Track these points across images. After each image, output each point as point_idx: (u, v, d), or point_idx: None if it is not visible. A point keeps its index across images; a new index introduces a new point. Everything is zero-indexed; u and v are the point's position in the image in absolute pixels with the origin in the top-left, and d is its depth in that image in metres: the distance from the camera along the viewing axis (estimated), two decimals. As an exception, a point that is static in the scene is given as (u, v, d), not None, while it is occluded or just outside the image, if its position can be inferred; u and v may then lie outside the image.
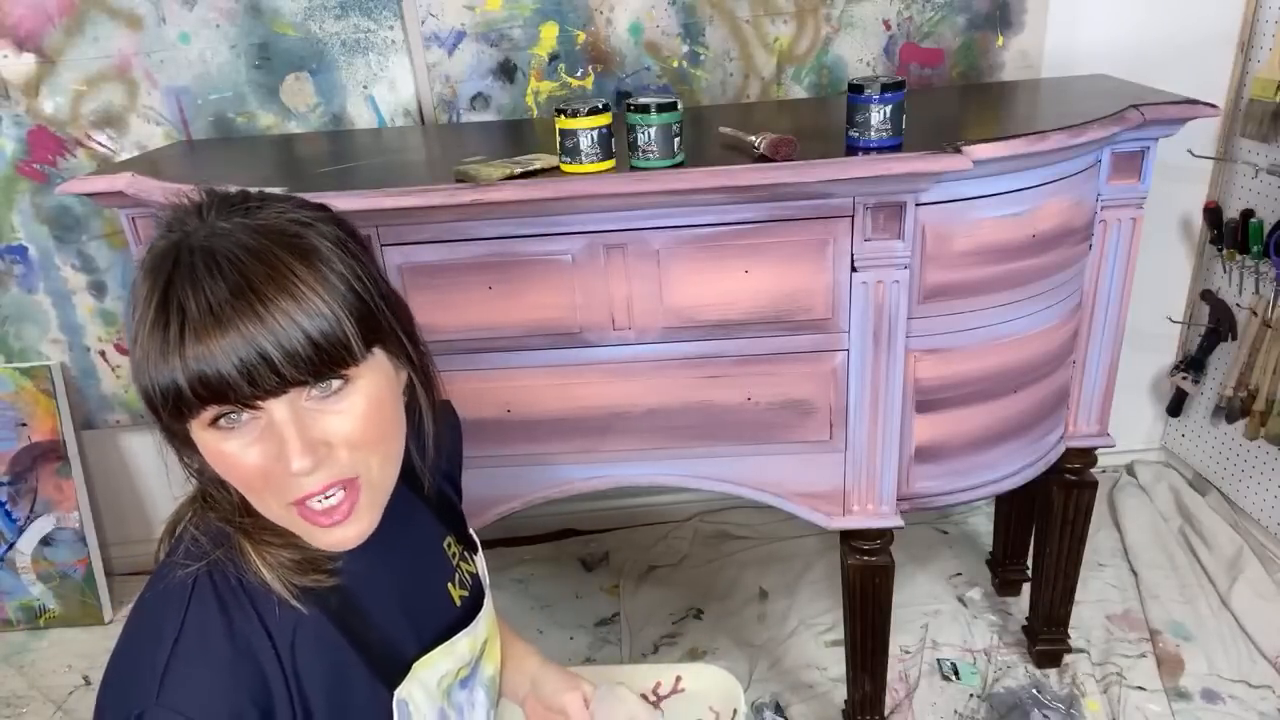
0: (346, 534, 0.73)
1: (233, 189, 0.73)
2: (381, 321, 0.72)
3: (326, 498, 0.71)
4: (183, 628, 0.71)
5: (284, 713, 0.73)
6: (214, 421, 0.67)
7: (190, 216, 0.70)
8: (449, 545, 0.97)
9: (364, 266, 0.72)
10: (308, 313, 0.66)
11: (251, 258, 0.66)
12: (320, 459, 0.69)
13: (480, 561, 1.02)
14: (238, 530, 0.75)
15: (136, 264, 0.69)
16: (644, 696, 1.05)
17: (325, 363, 0.67)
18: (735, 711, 1.13)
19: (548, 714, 1.02)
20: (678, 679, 1.11)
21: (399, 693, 0.81)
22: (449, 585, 0.94)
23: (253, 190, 0.74)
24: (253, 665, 0.72)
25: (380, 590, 0.84)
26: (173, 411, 0.66)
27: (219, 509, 0.76)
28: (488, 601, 0.97)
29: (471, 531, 1.03)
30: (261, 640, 0.73)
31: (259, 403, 0.66)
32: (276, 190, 0.77)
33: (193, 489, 0.79)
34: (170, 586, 0.74)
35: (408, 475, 0.87)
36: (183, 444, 0.72)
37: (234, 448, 0.68)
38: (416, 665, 0.84)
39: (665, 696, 1.14)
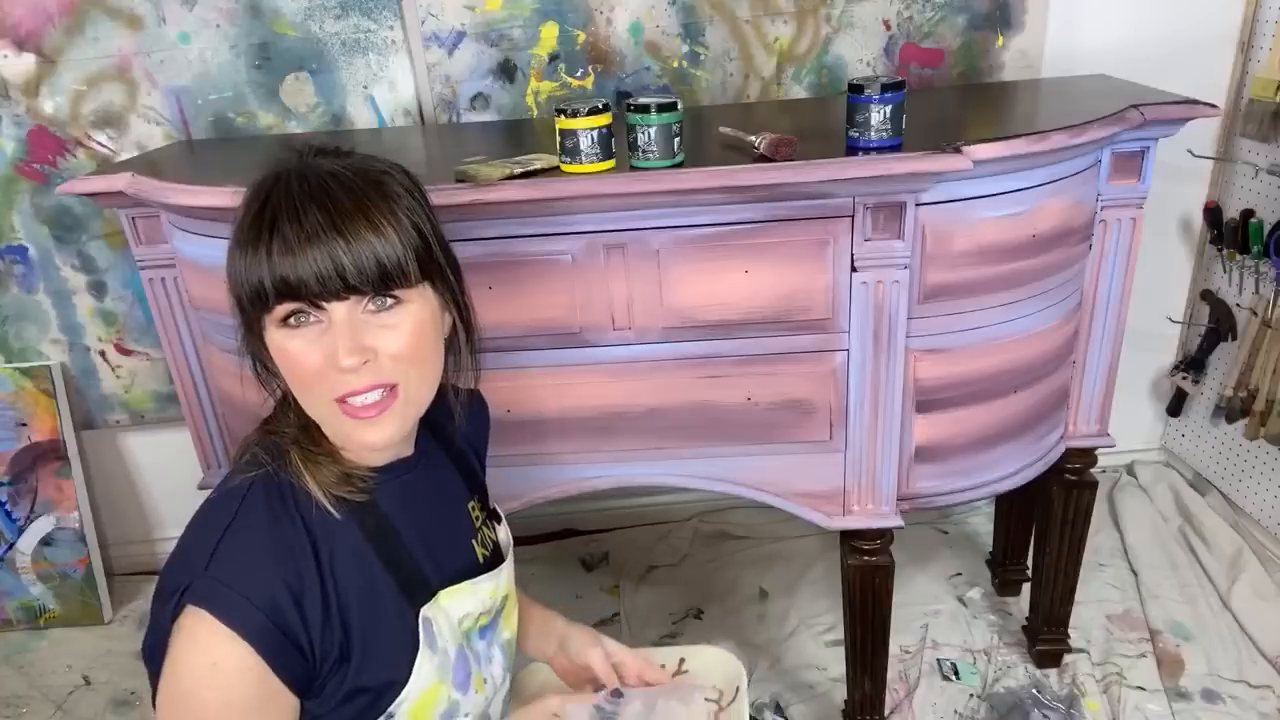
0: (379, 433, 0.84)
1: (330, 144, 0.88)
2: (436, 260, 0.85)
3: (366, 398, 0.82)
4: (235, 517, 0.83)
5: (314, 606, 0.82)
6: (285, 320, 0.80)
7: (293, 155, 0.84)
8: (473, 508, 1.05)
9: (427, 214, 0.86)
10: (379, 238, 0.79)
11: (340, 186, 0.80)
12: (365, 360, 0.80)
13: (503, 531, 1.09)
14: (293, 445, 0.87)
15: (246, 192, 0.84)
16: None
17: (385, 280, 0.80)
18: (738, 690, 1.14)
19: (574, 667, 1.11)
20: (681, 661, 1.13)
21: (425, 611, 0.90)
22: (473, 541, 1.02)
23: (345, 147, 0.88)
24: (291, 558, 0.82)
25: (412, 525, 0.93)
26: (254, 305, 0.80)
27: (280, 431, 0.89)
28: (510, 561, 1.05)
29: (495, 505, 1.11)
30: (303, 541, 0.84)
31: (324, 304, 0.79)
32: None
33: (260, 420, 0.93)
34: (230, 488, 0.86)
35: (439, 435, 1.02)
36: (260, 347, 0.85)
37: (297, 345, 0.81)
38: (442, 594, 0.93)
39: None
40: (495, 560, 1.04)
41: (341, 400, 0.82)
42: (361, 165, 0.84)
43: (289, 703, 0.82)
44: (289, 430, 0.88)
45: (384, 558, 0.89)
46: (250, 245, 0.79)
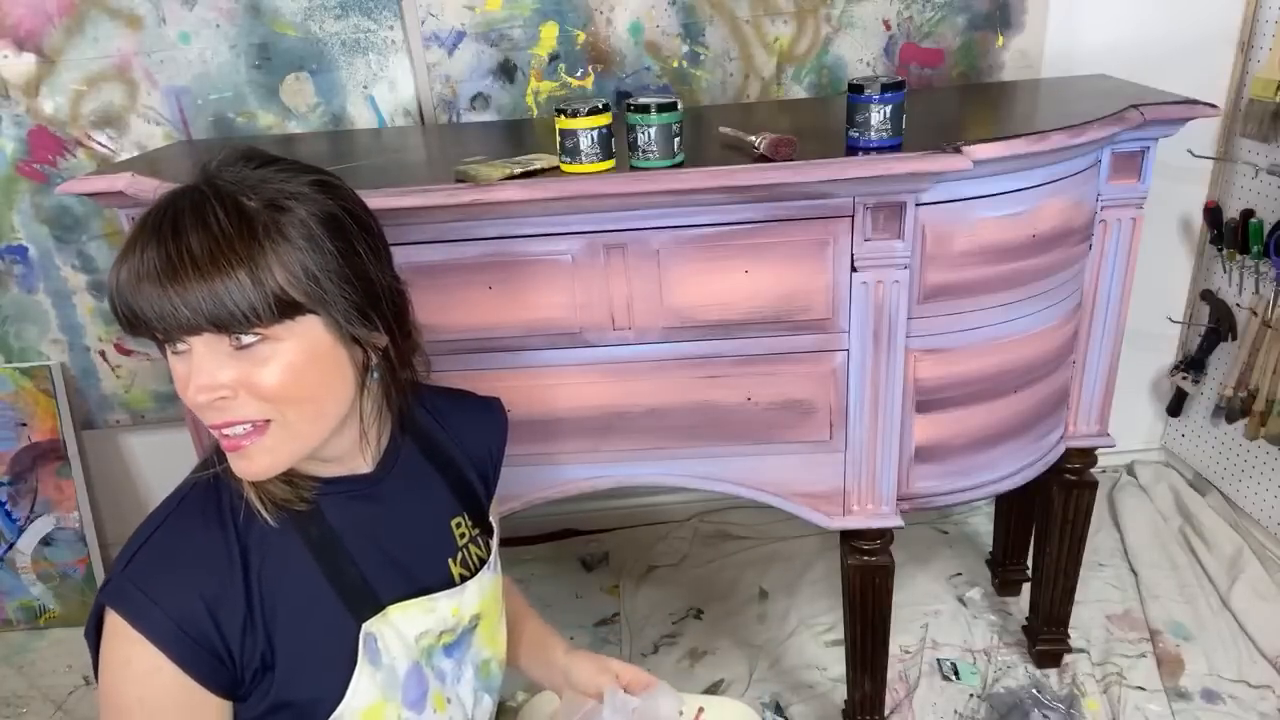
0: (250, 465, 0.81)
1: (267, 152, 0.82)
2: (324, 298, 0.79)
3: (233, 429, 0.79)
4: (164, 522, 0.83)
5: (233, 616, 0.81)
6: (170, 349, 0.78)
7: (204, 165, 0.80)
8: (459, 525, 1.00)
9: (323, 250, 0.79)
10: (225, 280, 0.74)
11: (197, 223, 0.74)
12: (219, 396, 0.77)
13: (494, 543, 1.05)
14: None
15: None
16: None
17: (230, 321, 0.75)
18: None
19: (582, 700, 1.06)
20: (700, 710, 1.10)
21: (367, 626, 0.88)
22: (450, 561, 0.98)
23: (279, 156, 0.82)
24: (211, 566, 0.82)
25: (370, 539, 0.91)
26: (120, 325, 0.78)
27: None
28: (485, 578, 1.00)
29: (493, 519, 1.06)
30: (231, 548, 0.83)
31: (177, 339, 0.76)
32: (301, 162, 0.83)
33: None
34: (176, 491, 0.86)
35: (429, 450, 0.99)
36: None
37: (178, 370, 0.79)
38: (391, 608, 0.90)
39: None
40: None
41: (213, 427, 0.80)
42: (250, 188, 0.78)
43: (213, 703, 0.81)
44: None
45: (327, 570, 0.87)
46: (112, 268, 0.77)
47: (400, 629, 0.90)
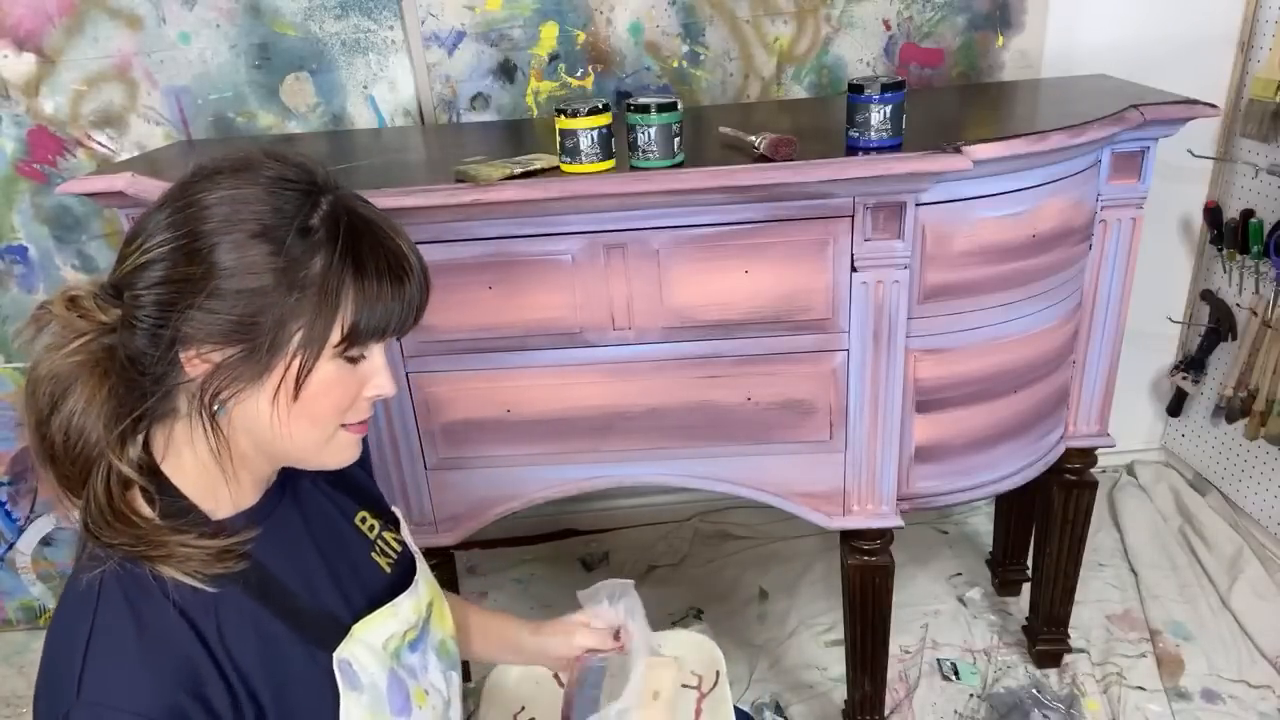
0: (358, 449, 0.85)
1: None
2: None
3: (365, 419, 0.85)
4: (93, 629, 0.73)
5: (218, 691, 0.74)
6: (349, 353, 0.79)
7: (315, 175, 0.80)
8: (364, 520, 0.99)
9: None
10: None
11: (399, 231, 0.81)
12: None
13: (405, 532, 1.04)
14: (132, 557, 0.75)
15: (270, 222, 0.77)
16: None
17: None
18: (718, 674, 1.13)
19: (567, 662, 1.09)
20: (658, 646, 1.11)
21: (338, 654, 0.84)
22: (372, 555, 0.97)
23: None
24: (172, 653, 0.73)
25: (298, 565, 0.87)
26: (359, 336, 0.77)
27: (109, 541, 0.75)
28: (422, 566, 1.00)
29: (394, 509, 1.06)
30: (180, 627, 0.74)
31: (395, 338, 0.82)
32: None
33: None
34: (79, 591, 0.75)
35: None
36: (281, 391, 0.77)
37: (348, 377, 0.79)
38: (356, 628, 0.86)
39: None
40: (403, 565, 0.98)
41: (351, 423, 0.83)
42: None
43: None
44: (120, 544, 0.75)
45: (275, 609, 0.81)
46: (381, 278, 0.77)
47: (370, 644, 0.87)
